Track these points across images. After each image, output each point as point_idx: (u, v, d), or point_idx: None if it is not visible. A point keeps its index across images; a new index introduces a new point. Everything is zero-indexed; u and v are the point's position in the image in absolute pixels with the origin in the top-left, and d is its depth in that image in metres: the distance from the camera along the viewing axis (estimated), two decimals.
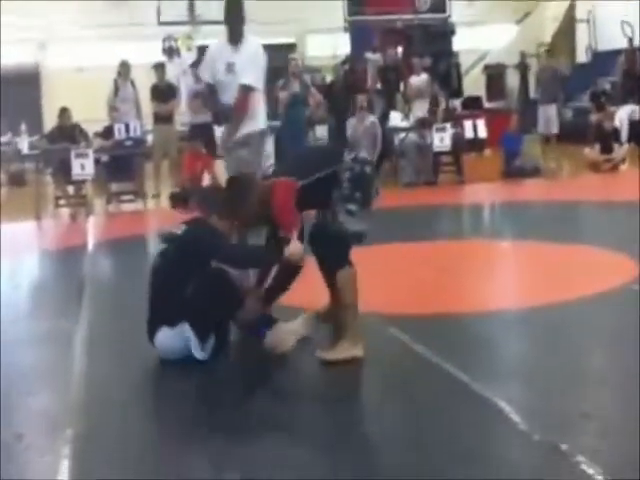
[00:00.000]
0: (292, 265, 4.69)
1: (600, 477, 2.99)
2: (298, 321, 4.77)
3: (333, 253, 4.54)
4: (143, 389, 4.52)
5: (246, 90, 5.95)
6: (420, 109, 12.92)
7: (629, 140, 13.56)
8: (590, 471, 3.04)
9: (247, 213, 4.63)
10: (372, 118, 11.99)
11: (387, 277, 6.42)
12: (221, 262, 4.64)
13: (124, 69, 12.85)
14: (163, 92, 12.62)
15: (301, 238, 4.66)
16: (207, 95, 6.35)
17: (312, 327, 4.82)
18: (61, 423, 3.84)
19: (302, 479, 3.20)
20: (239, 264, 4.81)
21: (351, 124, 11.91)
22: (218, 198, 5.00)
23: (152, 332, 4.64)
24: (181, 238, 4.73)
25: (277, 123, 13.26)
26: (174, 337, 4.56)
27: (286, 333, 4.68)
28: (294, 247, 4.49)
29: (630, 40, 17.51)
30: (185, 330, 4.53)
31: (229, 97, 5.98)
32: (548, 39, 21.27)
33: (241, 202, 4.60)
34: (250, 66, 5.97)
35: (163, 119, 12.61)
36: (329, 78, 15.99)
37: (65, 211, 11.79)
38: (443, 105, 13.34)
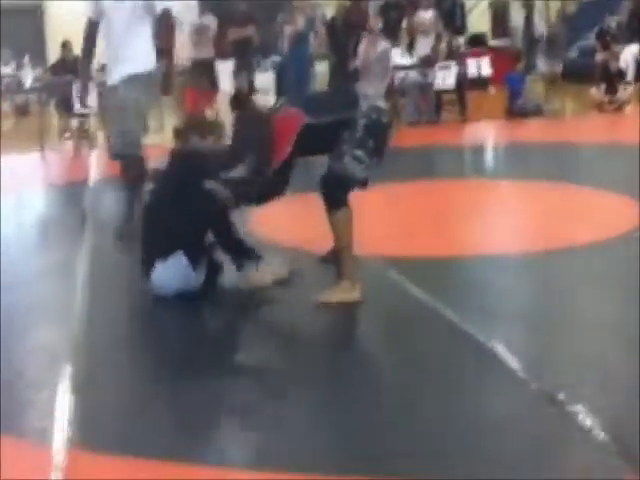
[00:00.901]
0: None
1: (598, 428, 2.89)
2: (276, 262, 4.64)
3: (329, 193, 4.36)
4: (143, 324, 4.46)
5: (167, 16, 5.79)
6: (424, 46, 12.63)
7: (635, 81, 13.32)
8: (587, 422, 2.94)
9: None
10: (385, 44, 11.28)
11: (387, 218, 6.32)
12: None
13: None
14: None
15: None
16: (87, 32, 6.02)
17: (289, 269, 4.65)
18: (61, 359, 3.76)
19: (296, 417, 3.15)
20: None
21: (362, 48, 11.31)
22: (198, 121, 4.87)
23: (147, 269, 4.55)
24: (164, 172, 4.70)
25: (277, 58, 13.12)
26: (170, 268, 4.45)
27: (263, 271, 4.58)
28: None
29: None
30: (180, 258, 4.43)
31: (118, 26, 5.74)
32: None
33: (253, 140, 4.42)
34: None
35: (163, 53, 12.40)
36: (329, 14, 15.66)
37: (69, 143, 11.65)
38: (446, 42, 13.04)
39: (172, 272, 4.46)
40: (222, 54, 13.06)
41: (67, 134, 11.77)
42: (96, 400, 3.36)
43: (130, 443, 2.96)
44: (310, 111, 4.38)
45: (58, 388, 3.44)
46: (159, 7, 5.86)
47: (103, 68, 12.02)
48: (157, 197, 4.69)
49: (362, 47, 11.36)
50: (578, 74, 14.96)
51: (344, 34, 12.15)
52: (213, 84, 12.32)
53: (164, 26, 6.02)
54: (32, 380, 3.60)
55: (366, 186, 4.45)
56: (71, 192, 8.55)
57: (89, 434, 3.05)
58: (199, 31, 12.42)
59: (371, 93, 4.80)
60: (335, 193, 4.36)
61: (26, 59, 15.09)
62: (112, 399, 3.37)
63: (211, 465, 2.81)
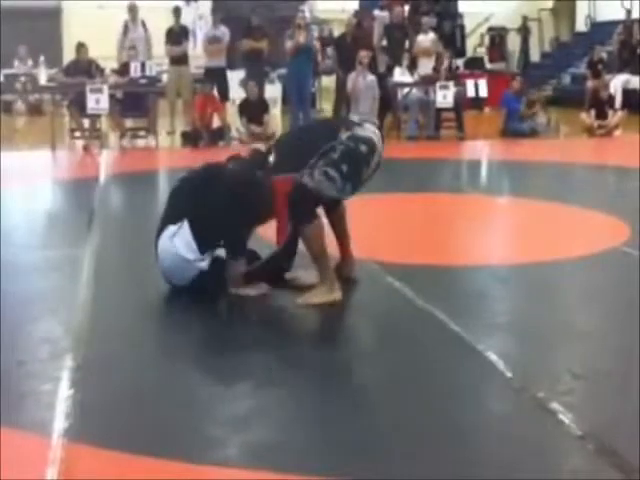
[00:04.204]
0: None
1: (589, 436, 2.86)
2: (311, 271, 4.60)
3: (296, 205, 4.29)
4: (147, 318, 4.35)
5: None
6: (425, 67, 12.67)
7: (623, 107, 13.37)
8: (578, 430, 2.90)
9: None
10: (371, 76, 11.81)
11: (387, 226, 6.28)
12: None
13: (132, 10, 12.69)
14: (177, 34, 12.45)
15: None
16: None
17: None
18: (63, 350, 3.68)
19: (292, 412, 3.12)
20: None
21: (351, 78, 11.75)
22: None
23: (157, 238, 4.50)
24: (207, 172, 4.64)
25: (284, 71, 13.21)
26: (173, 237, 4.37)
27: (309, 272, 4.54)
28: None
29: (628, 12, 17.29)
30: (184, 228, 4.35)
31: None
32: (549, 5, 21.04)
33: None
34: None
35: (178, 60, 12.45)
36: (337, 31, 15.70)
37: (80, 143, 11.58)
38: (446, 64, 13.06)
39: (175, 240, 4.37)
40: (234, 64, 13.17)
41: (77, 133, 11.69)
42: (98, 394, 3.28)
43: (130, 439, 2.88)
44: (296, 164, 4.30)
45: (60, 380, 3.35)
46: None
47: (117, 70, 12.19)
48: (185, 187, 4.61)
49: (352, 77, 11.69)
50: (570, 99, 15.03)
51: (351, 51, 12.21)
52: (223, 92, 12.34)
53: None
54: (33, 372, 3.51)
55: (335, 206, 4.42)
56: (79, 189, 8.48)
57: (89, 428, 2.97)
58: (212, 41, 12.46)
59: (356, 120, 4.71)
60: (302, 206, 4.30)
61: (41, 59, 15.04)
62: (114, 393, 3.29)
63: (211, 464, 2.73)
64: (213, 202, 4.41)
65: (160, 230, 4.49)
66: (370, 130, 4.49)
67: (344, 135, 4.34)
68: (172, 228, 4.40)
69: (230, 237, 4.43)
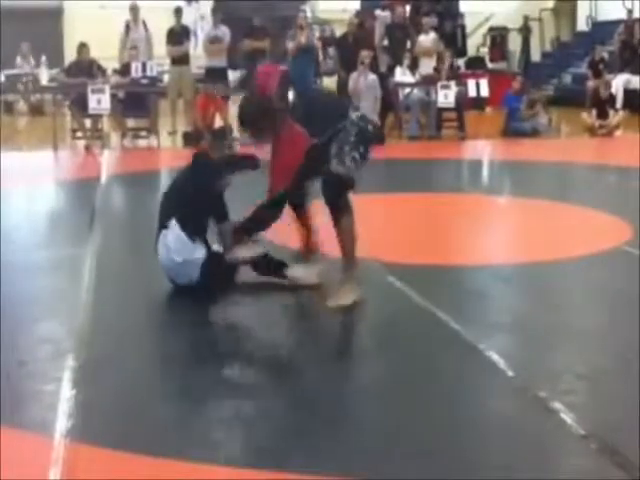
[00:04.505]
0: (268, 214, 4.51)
1: (590, 435, 2.85)
2: (315, 267, 4.64)
3: (334, 195, 4.32)
4: (148, 319, 4.37)
5: None
6: (427, 67, 12.66)
7: (624, 107, 13.35)
8: (580, 429, 2.90)
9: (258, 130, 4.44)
10: (373, 76, 11.80)
11: (389, 226, 6.27)
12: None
13: (134, 10, 12.70)
14: (178, 34, 12.45)
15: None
16: None
17: (326, 275, 4.63)
18: (64, 351, 3.67)
19: (292, 412, 3.12)
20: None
21: (353, 78, 11.75)
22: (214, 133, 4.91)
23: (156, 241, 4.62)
24: (184, 171, 4.80)
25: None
26: (166, 239, 4.47)
27: (309, 270, 4.62)
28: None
29: (629, 12, 17.27)
30: (173, 227, 4.45)
31: None
32: (550, 4, 21.02)
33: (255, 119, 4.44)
34: None
35: (179, 60, 12.46)
36: (339, 31, 15.69)
37: (81, 143, 11.58)
38: (448, 63, 13.05)
39: (168, 243, 4.47)
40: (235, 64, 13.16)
41: (79, 133, 11.69)
42: (99, 394, 3.28)
43: (130, 439, 2.88)
44: (314, 130, 4.33)
45: (61, 380, 3.35)
46: None
47: (118, 70, 12.20)
48: (175, 180, 4.82)
49: (354, 77, 11.70)
50: (571, 99, 14.99)
51: (353, 51, 12.19)
52: (225, 92, 12.36)
53: None
54: (35, 372, 3.51)
55: (354, 188, 4.43)
56: (81, 189, 8.47)
57: (91, 428, 2.96)
58: (213, 41, 12.46)
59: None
60: (339, 195, 4.33)
61: (43, 59, 15.04)
62: (115, 393, 3.29)
63: (211, 464, 2.73)
64: (199, 177, 4.60)
65: (158, 232, 4.58)
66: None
67: (354, 114, 4.43)
68: (164, 232, 4.51)
69: (217, 207, 4.52)
